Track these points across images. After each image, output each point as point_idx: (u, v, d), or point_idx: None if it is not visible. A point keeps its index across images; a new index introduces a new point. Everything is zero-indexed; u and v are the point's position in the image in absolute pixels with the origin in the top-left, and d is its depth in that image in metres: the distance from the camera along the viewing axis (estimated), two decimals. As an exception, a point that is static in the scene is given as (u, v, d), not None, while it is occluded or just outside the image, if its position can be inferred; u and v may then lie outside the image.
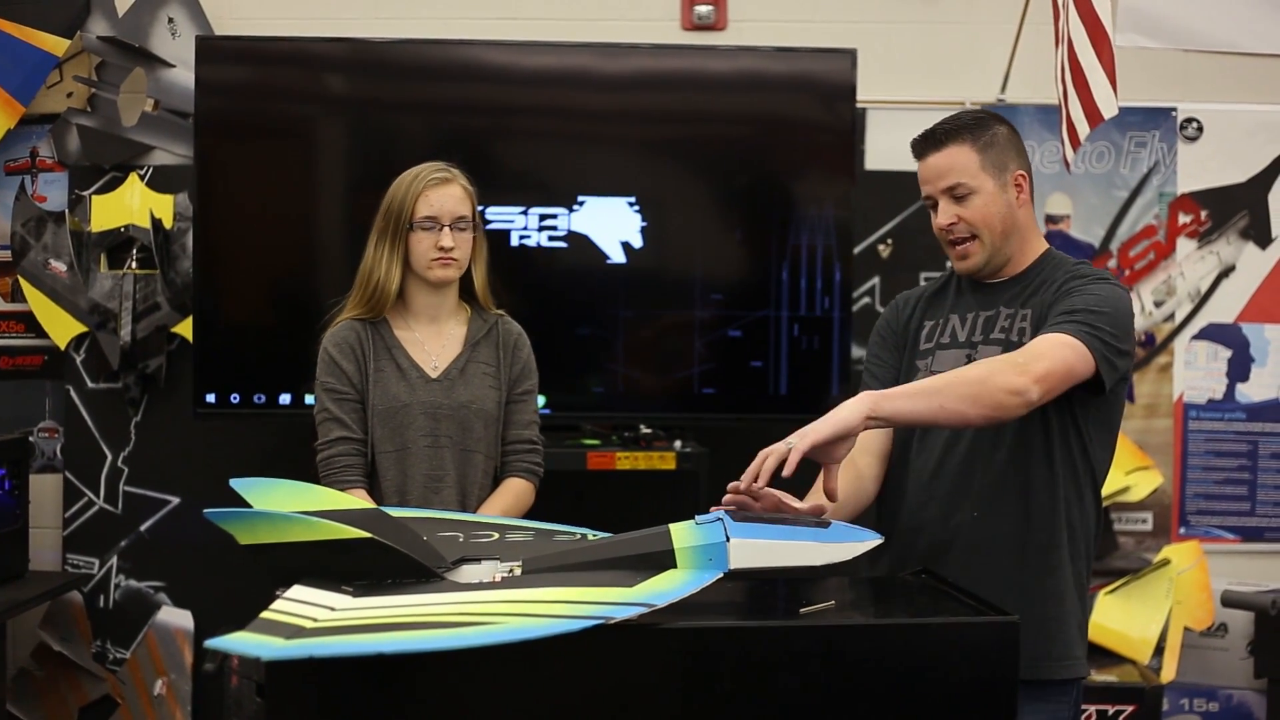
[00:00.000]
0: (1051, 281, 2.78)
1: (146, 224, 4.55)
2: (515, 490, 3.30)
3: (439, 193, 3.21)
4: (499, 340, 3.33)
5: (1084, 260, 2.93)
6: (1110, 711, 4.28)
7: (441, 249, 3.19)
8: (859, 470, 2.84)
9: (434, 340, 3.29)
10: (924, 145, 2.83)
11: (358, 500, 2.76)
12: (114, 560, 4.67)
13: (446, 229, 3.19)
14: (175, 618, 4.63)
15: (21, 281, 4.63)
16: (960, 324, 2.87)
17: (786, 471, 2.30)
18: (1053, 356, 2.54)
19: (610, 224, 4.31)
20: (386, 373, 3.23)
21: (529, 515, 3.25)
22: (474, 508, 3.23)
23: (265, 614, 1.95)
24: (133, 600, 4.67)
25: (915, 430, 2.82)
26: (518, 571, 2.31)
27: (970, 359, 2.77)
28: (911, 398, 2.47)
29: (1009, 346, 2.73)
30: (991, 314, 2.84)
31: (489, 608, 2.04)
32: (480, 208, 3.34)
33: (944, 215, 2.81)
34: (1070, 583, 2.73)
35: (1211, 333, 4.86)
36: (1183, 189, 4.83)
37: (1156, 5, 4.81)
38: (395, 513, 2.71)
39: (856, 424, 2.37)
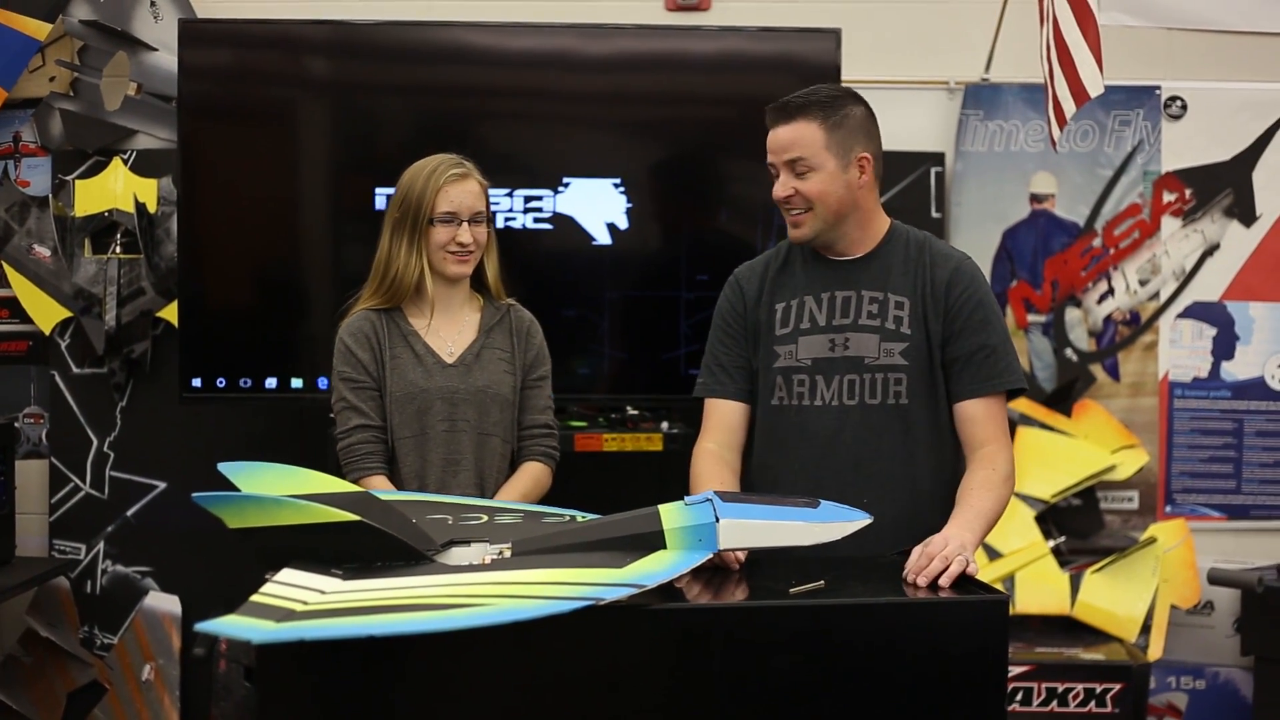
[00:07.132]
0: (919, 265, 2.90)
1: (130, 208, 4.54)
2: (534, 473, 3.33)
3: (458, 188, 3.23)
4: (512, 327, 3.37)
5: (929, 235, 3.01)
6: (1098, 689, 4.29)
7: (460, 244, 3.22)
8: (730, 466, 2.97)
9: (448, 328, 3.31)
10: (776, 115, 2.90)
11: (345, 484, 2.76)
12: (101, 546, 4.66)
13: (465, 224, 3.23)
14: (162, 603, 4.63)
15: (5, 267, 4.61)
16: (817, 306, 2.94)
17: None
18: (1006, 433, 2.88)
19: (595, 205, 4.30)
20: (403, 360, 3.25)
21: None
22: (492, 491, 3.25)
23: (255, 597, 1.95)
24: (120, 586, 4.66)
25: (791, 420, 2.93)
26: (507, 554, 2.31)
27: (834, 344, 2.89)
28: (983, 529, 2.67)
29: (886, 334, 2.86)
30: (850, 295, 2.92)
31: (479, 589, 2.05)
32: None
33: (782, 187, 2.90)
34: None
35: (1196, 311, 4.86)
36: (1167, 167, 4.83)
37: (1140, -17, 4.82)
38: (384, 496, 2.72)
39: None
